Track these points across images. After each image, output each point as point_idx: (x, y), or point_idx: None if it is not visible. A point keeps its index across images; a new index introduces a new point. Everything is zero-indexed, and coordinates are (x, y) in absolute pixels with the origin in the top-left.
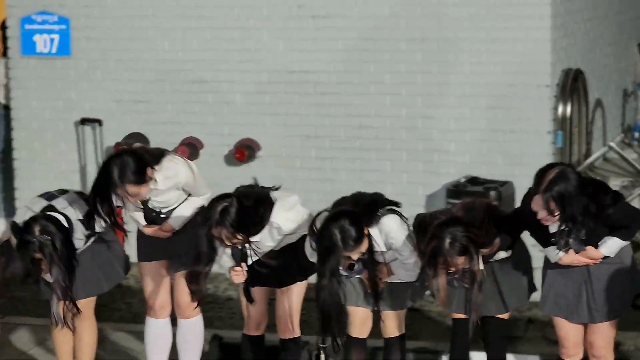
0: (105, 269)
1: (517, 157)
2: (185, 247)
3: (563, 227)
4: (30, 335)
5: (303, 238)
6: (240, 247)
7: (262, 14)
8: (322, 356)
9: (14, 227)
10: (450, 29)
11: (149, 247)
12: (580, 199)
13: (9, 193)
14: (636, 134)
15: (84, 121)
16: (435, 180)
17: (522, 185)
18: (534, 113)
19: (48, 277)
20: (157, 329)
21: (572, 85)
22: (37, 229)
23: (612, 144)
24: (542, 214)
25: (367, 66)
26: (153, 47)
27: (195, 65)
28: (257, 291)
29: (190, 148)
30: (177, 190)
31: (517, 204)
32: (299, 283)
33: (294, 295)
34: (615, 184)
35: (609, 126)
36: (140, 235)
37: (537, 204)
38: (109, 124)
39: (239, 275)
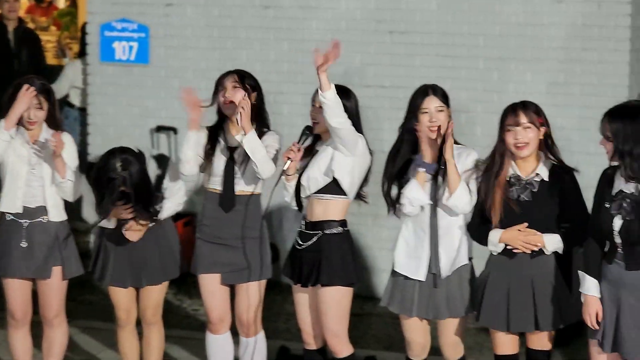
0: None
1: None
2: (240, 259)
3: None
4: (98, 338)
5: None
6: None
7: (341, 27)
8: None
9: (91, 167)
10: (528, 49)
11: (208, 258)
12: None
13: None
14: None
15: (160, 129)
16: None
17: None
18: None
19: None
20: (219, 344)
21: None
22: (118, 164)
23: None
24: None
25: (443, 82)
26: (231, 58)
27: (272, 77)
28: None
29: None
30: None
31: None
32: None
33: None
34: None
35: None
36: (200, 244)
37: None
38: (184, 132)
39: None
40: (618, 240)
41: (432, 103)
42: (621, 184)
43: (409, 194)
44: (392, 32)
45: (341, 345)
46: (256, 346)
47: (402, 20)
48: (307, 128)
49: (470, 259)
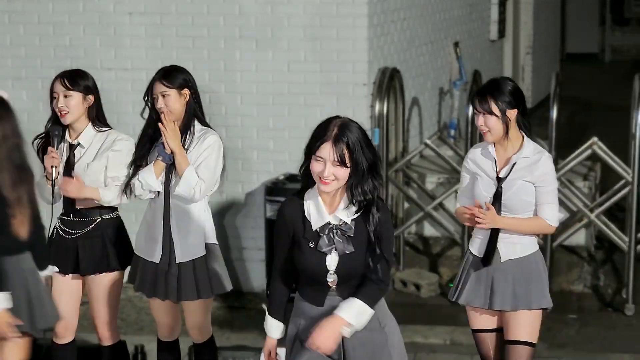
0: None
1: None
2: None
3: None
4: None
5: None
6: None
7: (78, 8)
8: None
9: None
10: (269, 28)
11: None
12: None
13: None
14: (452, 132)
15: None
16: (255, 178)
17: None
18: (351, 111)
19: None
20: None
21: (388, 83)
22: None
23: (428, 141)
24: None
25: (185, 63)
26: None
27: (10, 61)
28: None
29: None
30: None
31: None
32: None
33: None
34: (431, 180)
35: (425, 124)
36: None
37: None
38: None
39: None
40: (332, 279)
41: (157, 88)
42: (324, 214)
43: (141, 176)
44: (131, 13)
45: (110, 332)
46: None
47: (141, 1)
48: (55, 128)
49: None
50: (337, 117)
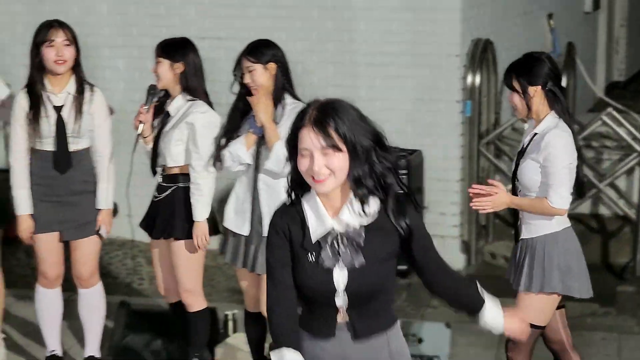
0: None
1: (426, 126)
2: (78, 215)
3: None
4: None
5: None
6: None
7: None
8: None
9: None
10: None
11: (44, 217)
12: None
13: None
14: None
15: None
16: None
17: (431, 154)
18: (443, 82)
19: None
20: (49, 299)
21: (481, 55)
22: None
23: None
24: None
25: (278, 33)
26: (63, 11)
27: (107, 30)
28: None
29: None
30: None
31: (426, 172)
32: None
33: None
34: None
35: None
36: (34, 204)
37: None
38: None
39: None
40: (342, 302)
41: (244, 63)
42: (325, 219)
43: (231, 147)
44: None
45: (194, 298)
46: (95, 296)
47: None
48: (152, 87)
49: None
50: (317, 99)
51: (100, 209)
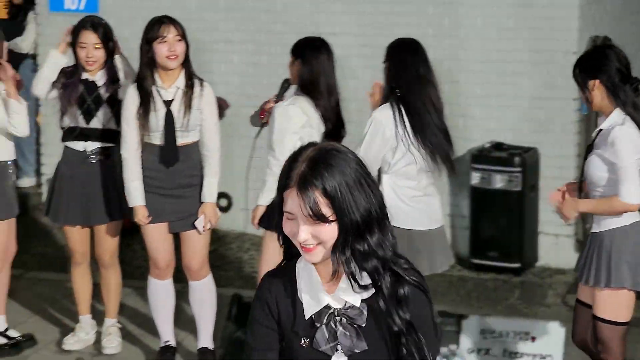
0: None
1: (542, 124)
2: (186, 207)
3: None
4: (52, 289)
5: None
6: None
7: None
8: None
9: None
10: None
11: (154, 208)
12: None
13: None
14: None
15: None
16: (461, 145)
17: (546, 152)
18: (560, 80)
19: None
20: (161, 290)
21: None
22: None
23: None
24: None
25: (394, 28)
26: (180, 5)
27: (221, 25)
28: None
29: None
30: None
31: (542, 171)
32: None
33: None
34: None
35: None
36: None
37: None
38: None
39: None
40: None
41: None
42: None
43: None
44: None
45: None
46: (205, 288)
47: None
48: (286, 81)
49: None
50: (313, 144)
51: (204, 202)
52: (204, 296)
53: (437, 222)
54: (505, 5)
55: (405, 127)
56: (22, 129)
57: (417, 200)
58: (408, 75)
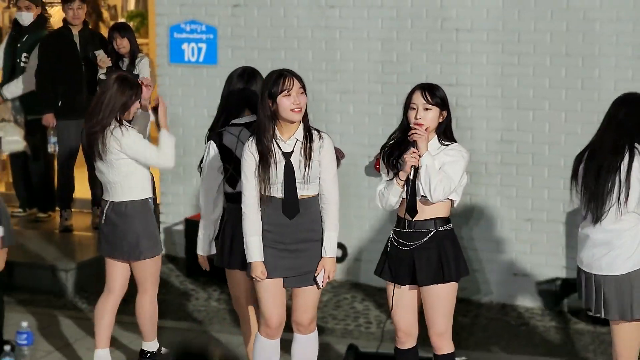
0: None
1: None
2: (302, 263)
3: None
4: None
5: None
6: None
7: (406, 25)
8: None
9: None
10: (595, 45)
11: (271, 263)
12: None
13: None
14: None
15: None
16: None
17: None
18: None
19: None
20: (269, 350)
21: None
22: None
23: None
24: None
25: (510, 80)
26: (297, 58)
27: (338, 76)
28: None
29: None
30: None
31: None
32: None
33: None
34: None
35: None
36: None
37: None
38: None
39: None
40: None
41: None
42: None
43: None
44: (458, 30)
45: (444, 342)
46: (309, 342)
47: (467, 17)
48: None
49: None
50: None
51: (324, 257)
52: (309, 349)
53: None
54: (625, 9)
55: None
56: (169, 160)
57: None
58: None
